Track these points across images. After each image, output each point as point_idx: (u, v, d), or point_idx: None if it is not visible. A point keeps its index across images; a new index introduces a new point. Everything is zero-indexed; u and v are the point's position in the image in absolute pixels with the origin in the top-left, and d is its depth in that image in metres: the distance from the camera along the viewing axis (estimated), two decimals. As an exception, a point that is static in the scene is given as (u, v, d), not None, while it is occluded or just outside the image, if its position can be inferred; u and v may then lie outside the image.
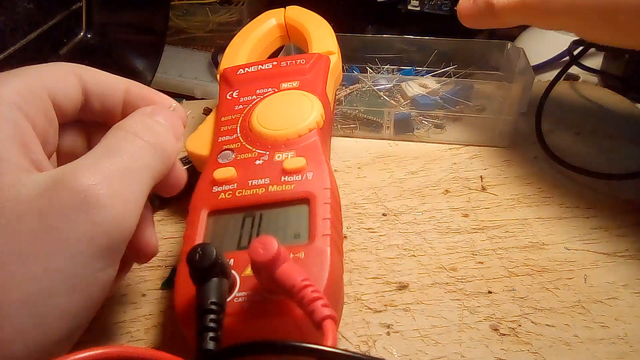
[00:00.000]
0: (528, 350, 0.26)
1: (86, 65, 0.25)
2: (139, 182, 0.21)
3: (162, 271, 0.30)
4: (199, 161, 0.32)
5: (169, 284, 0.29)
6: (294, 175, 0.27)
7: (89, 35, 0.48)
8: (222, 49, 0.55)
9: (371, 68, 0.45)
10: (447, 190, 0.36)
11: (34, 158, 0.21)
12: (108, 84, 0.25)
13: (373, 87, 0.41)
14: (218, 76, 0.37)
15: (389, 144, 0.41)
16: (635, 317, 0.27)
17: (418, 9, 0.54)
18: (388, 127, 0.41)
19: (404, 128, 0.41)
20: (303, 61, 0.35)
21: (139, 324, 0.27)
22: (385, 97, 0.41)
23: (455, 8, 0.52)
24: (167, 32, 0.49)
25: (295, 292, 0.20)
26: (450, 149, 0.40)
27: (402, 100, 0.41)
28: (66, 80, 0.24)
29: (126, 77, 0.26)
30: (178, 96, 0.48)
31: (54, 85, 0.23)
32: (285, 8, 0.41)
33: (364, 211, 0.34)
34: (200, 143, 0.32)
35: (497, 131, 0.40)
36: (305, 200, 0.26)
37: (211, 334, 0.19)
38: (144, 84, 0.24)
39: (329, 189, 0.26)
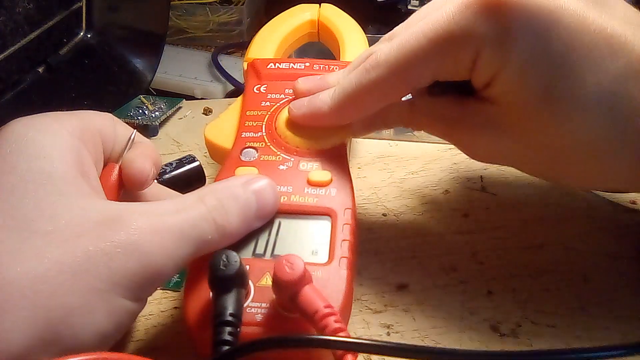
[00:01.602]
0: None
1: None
2: (188, 246, 0.22)
3: (162, 271, 0.30)
4: (216, 152, 0.31)
5: (168, 284, 0.29)
6: (318, 189, 0.27)
7: (89, 35, 0.48)
8: (222, 49, 0.55)
9: None
10: (447, 190, 0.36)
11: (93, 184, 0.23)
12: (126, 137, 0.27)
13: None
14: (245, 64, 0.36)
15: (389, 144, 0.41)
16: (635, 318, 0.27)
17: (418, 9, 0.54)
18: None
19: (404, 128, 0.41)
20: (336, 68, 0.34)
21: (139, 324, 0.27)
22: None
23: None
24: (167, 32, 0.49)
25: (318, 319, 0.20)
26: (450, 149, 0.40)
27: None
28: (110, 129, 0.26)
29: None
30: (178, 96, 0.48)
31: (103, 130, 0.26)
32: (320, 5, 0.40)
33: (364, 211, 0.34)
34: (220, 133, 0.31)
35: None
36: (326, 217, 0.26)
37: (227, 348, 0.19)
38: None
39: (350, 209, 0.26)
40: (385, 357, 0.25)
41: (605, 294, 0.29)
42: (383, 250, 0.31)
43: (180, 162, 0.37)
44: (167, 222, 0.22)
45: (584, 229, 0.33)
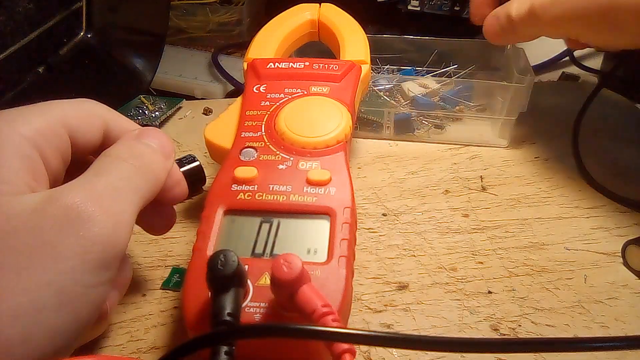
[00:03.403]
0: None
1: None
2: (128, 201, 0.22)
3: (162, 271, 0.30)
4: (216, 152, 0.31)
5: (168, 284, 0.29)
6: (317, 188, 0.27)
7: (89, 35, 0.48)
8: (222, 49, 0.55)
9: (372, 68, 0.45)
10: (447, 190, 0.36)
11: (35, 188, 0.21)
12: (126, 129, 0.26)
13: (373, 87, 0.41)
14: (245, 65, 0.36)
15: (389, 144, 0.41)
16: (635, 317, 0.27)
17: (418, 9, 0.54)
18: (388, 127, 0.41)
19: (404, 128, 0.41)
20: (336, 67, 0.34)
21: (139, 324, 0.27)
22: (385, 97, 0.41)
23: (455, 8, 0.52)
24: (167, 32, 0.49)
25: (316, 318, 0.20)
26: (450, 149, 0.40)
27: (402, 101, 0.41)
28: (88, 122, 0.25)
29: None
30: (178, 96, 0.48)
31: (76, 125, 0.24)
32: (320, 5, 0.40)
33: (364, 211, 0.34)
34: (220, 133, 0.31)
35: (497, 131, 0.40)
36: (325, 216, 0.26)
37: (225, 349, 0.19)
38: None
39: (349, 208, 0.26)
40: (384, 358, 0.25)
41: (605, 294, 0.29)
42: (383, 250, 0.31)
43: (180, 162, 0.37)
44: (99, 187, 0.21)
45: (584, 229, 0.33)
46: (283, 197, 0.26)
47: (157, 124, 0.43)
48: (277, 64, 0.35)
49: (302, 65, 0.34)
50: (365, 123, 0.41)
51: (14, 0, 0.40)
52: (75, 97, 0.28)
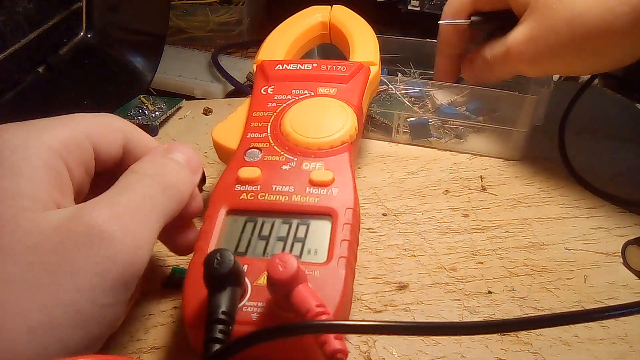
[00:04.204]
0: (528, 350, 0.26)
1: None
2: (150, 220, 0.22)
3: (162, 271, 0.30)
4: (223, 152, 0.31)
5: (169, 283, 0.29)
6: (320, 189, 0.27)
7: (89, 35, 0.48)
8: (222, 49, 0.55)
9: (402, 72, 0.45)
10: (447, 190, 0.36)
11: (63, 203, 0.22)
12: (146, 145, 0.26)
13: (395, 91, 0.40)
14: (254, 66, 0.36)
15: (389, 144, 0.41)
16: (635, 317, 0.27)
17: (418, 9, 0.54)
18: (398, 130, 0.40)
19: (420, 133, 0.40)
20: (344, 68, 0.34)
21: (139, 323, 0.27)
22: (408, 102, 0.40)
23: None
24: (167, 32, 0.49)
25: (310, 318, 0.20)
26: (450, 149, 0.40)
27: (430, 108, 0.40)
28: (111, 136, 0.25)
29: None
30: (178, 96, 0.48)
31: (99, 139, 0.24)
32: (332, 6, 0.40)
33: (364, 211, 0.34)
34: (227, 134, 0.31)
35: (511, 144, 0.39)
36: (327, 217, 0.26)
37: (218, 346, 0.19)
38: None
39: (352, 209, 0.26)
40: (383, 358, 0.25)
41: (605, 294, 0.29)
42: (383, 250, 0.31)
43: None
44: (122, 205, 0.21)
45: (584, 229, 0.33)
46: (285, 198, 0.26)
47: (157, 124, 0.43)
48: (285, 65, 0.35)
49: (310, 67, 0.34)
50: (378, 125, 0.41)
51: (14, 0, 0.40)
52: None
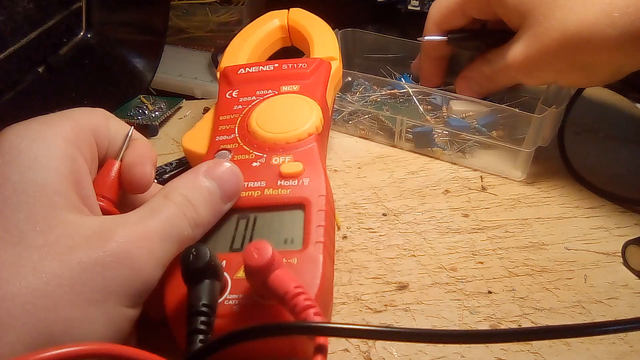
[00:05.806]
0: (528, 350, 0.26)
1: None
2: (170, 245, 0.23)
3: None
4: (195, 159, 0.32)
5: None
6: (291, 180, 0.27)
7: (89, 35, 0.48)
8: (222, 49, 0.55)
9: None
10: (447, 190, 0.36)
11: (84, 193, 0.23)
12: (122, 133, 0.27)
13: (413, 97, 0.40)
14: (218, 74, 0.37)
15: (389, 144, 0.41)
16: (635, 317, 0.27)
17: (418, 9, 0.54)
18: (400, 135, 0.40)
19: (423, 142, 0.39)
20: (304, 65, 0.35)
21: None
22: (423, 110, 0.40)
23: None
24: (167, 32, 0.49)
25: (288, 299, 0.20)
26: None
27: (445, 117, 0.39)
28: (104, 126, 0.26)
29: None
30: (178, 96, 0.48)
31: (97, 128, 0.25)
32: (288, 10, 0.41)
33: (364, 211, 0.34)
34: (197, 141, 0.32)
35: (514, 163, 0.37)
36: (300, 205, 0.26)
37: (201, 337, 0.20)
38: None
39: (324, 196, 0.26)
40: (383, 358, 0.25)
41: (605, 294, 0.29)
42: (383, 250, 0.31)
43: (180, 162, 0.37)
44: (148, 226, 0.22)
45: (584, 229, 0.33)
46: (258, 193, 0.27)
47: (157, 124, 0.43)
48: (247, 69, 0.35)
49: (272, 67, 0.35)
50: (381, 128, 0.41)
51: (14, 0, 0.40)
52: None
